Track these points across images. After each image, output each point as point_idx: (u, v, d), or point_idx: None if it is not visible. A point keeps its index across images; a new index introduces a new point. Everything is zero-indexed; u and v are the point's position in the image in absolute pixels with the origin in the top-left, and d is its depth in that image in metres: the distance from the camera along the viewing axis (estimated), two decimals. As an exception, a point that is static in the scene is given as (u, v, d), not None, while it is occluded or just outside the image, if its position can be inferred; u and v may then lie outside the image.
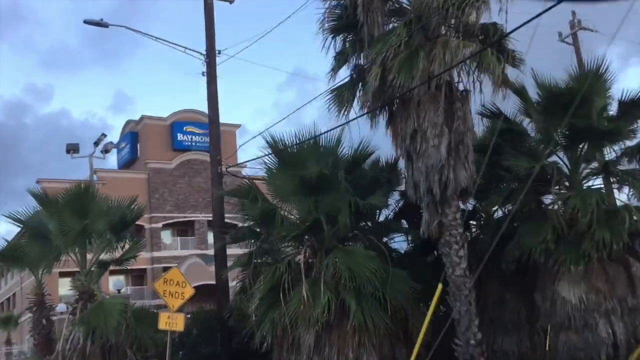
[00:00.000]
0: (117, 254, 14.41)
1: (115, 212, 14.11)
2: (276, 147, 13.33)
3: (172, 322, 11.25)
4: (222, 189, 15.15)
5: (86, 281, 13.88)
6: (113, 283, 20.45)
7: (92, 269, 13.86)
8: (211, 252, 45.75)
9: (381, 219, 14.31)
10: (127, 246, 14.31)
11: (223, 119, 51.63)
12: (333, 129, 12.89)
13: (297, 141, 13.09)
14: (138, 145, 50.00)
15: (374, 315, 11.84)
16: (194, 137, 49.87)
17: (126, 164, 50.55)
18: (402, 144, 11.97)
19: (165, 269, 48.59)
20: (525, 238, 12.11)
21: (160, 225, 48.02)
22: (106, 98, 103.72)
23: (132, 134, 49.99)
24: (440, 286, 8.77)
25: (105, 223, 13.81)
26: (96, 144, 25.76)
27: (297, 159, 13.12)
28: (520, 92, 13.02)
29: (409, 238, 15.24)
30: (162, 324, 11.27)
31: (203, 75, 15.39)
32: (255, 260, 13.14)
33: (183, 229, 49.41)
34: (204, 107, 15.94)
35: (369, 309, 11.89)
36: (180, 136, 49.38)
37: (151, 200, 46.98)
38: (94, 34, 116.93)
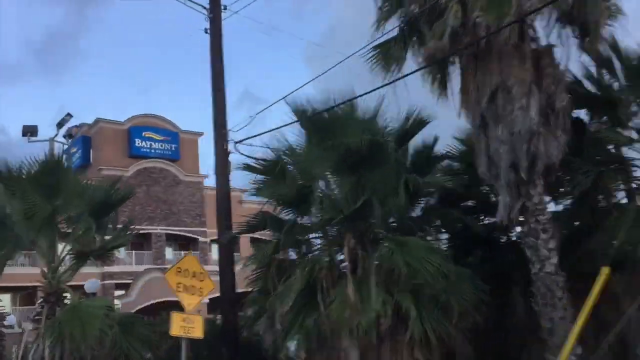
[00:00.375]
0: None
1: (94, 192, 11.12)
2: (302, 115, 10.70)
3: (188, 326, 8.31)
4: (228, 169, 12.32)
5: (54, 279, 10.79)
6: (88, 283, 17.04)
7: (64, 262, 10.80)
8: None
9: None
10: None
11: (183, 126, 47.86)
12: (378, 88, 10.34)
13: (331, 106, 10.46)
14: (91, 151, 46.17)
15: (436, 325, 9.28)
16: (153, 143, 46.47)
17: (77, 171, 46.55)
18: (476, 107, 9.55)
19: (118, 286, 44.87)
20: (628, 232, 9.68)
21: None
22: (49, 114, 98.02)
23: (85, 138, 46.09)
24: (606, 270, 6.29)
25: (82, 205, 10.82)
26: (60, 125, 21.94)
27: (330, 129, 10.51)
28: (602, 56, 10.81)
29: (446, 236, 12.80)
30: (176, 329, 8.29)
31: (206, 32, 12.68)
32: (277, 255, 10.38)
33: (138, 242, 45.60)
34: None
35: (429, 317, 9.31)
36: (138, 142, 45.84)
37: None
38: (38, 48, 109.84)
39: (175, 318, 8.20)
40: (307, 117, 10.43)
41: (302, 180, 10.20)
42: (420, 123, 10.60)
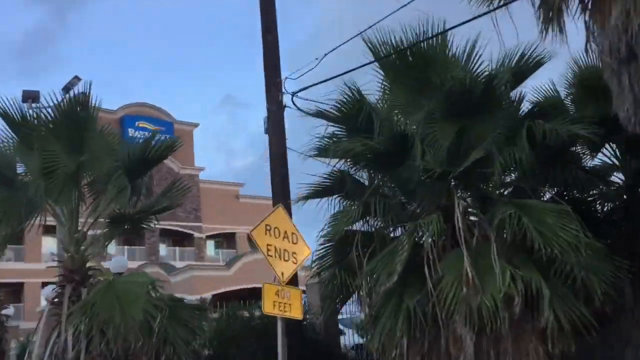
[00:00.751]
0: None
1: (129, 146, 9.09)
2: (389, 50, 8.77)
3: (283, 302, 6.15)
4: (283, 125, 10.25)
5: (78, 252, 8.71)
6: (114, 261, 14.84)
7: (89, 230, 8.73)
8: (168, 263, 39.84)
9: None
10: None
11: (178, 115, 45.93)
12: (478, 17, 8.41)
13: (420, 40, 8.49)
14: (81, 141, 43.73)
15: (572, 310, 7.35)
16: (147, 133, 44.04)
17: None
18: (621, 36, 7.61)
19: (108, 283, 42.39)
20: None
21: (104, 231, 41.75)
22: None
23: (75, 128, 43.63)
24: None
25: (111, 161, 8.77)
26: (66, 89, 19.42)
27: (419, 69, 8.60)
28: None
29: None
30: (269, 306, 6.11)
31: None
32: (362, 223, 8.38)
33: (130, 237, 43.22)
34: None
35: (562, 300, 7.38)
36: (131, 132, 43.47)
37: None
38: (19, 49, 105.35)
39: (268, 291, 6.06)
40: (396, 53, 8.45)
41: (392, 130, 8.19)
42: (536, 63, 8.65)
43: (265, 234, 6.30)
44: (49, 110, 8.66)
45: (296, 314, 6.20)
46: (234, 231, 45.62)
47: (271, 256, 6.25)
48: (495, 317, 7.00)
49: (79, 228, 8.85)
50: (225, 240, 47.10)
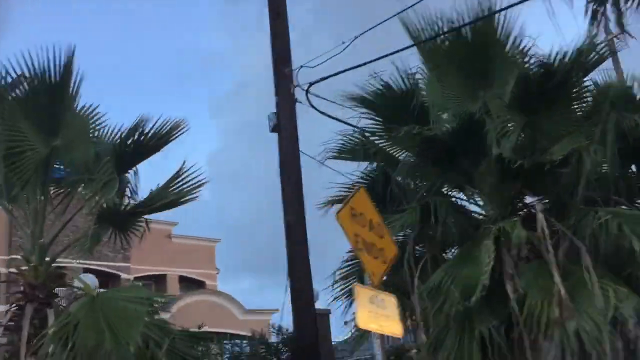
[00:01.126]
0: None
1: (119, 131, 7.27)
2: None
3: (379, 312, 4.30)
4: (295, 121, 8.66)
5: (42, 263, 6.77)
6: (82, 279, 12.37)
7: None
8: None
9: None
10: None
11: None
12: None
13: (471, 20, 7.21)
14: (-1, 171, 39.97)
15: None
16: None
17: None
18: None
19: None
20: None
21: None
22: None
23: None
24: None
25: (90, 147, 7.00)
26: (12, 87, 16.88)
27: (464, 57, 7.32)
28: None
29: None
30: (364, 317, 4.15)
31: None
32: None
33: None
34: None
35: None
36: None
37: (12, 239, 36.62)
38: None
39: (362, 296, 4.18)
40: (449, 32, 7.15)
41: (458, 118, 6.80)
42: (600, 58, 7.54)
43: (351, 219, 4.61)
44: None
45: (396, 329, 4.50)
46: (164, 273, 42.62)
47: (360, 249, 4.54)
48: (600, 346, 5.62)
49: (44, 230, 6.91)
50: (155, 282, 43.92)
